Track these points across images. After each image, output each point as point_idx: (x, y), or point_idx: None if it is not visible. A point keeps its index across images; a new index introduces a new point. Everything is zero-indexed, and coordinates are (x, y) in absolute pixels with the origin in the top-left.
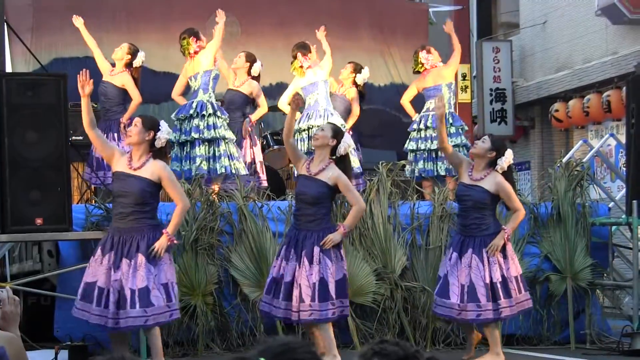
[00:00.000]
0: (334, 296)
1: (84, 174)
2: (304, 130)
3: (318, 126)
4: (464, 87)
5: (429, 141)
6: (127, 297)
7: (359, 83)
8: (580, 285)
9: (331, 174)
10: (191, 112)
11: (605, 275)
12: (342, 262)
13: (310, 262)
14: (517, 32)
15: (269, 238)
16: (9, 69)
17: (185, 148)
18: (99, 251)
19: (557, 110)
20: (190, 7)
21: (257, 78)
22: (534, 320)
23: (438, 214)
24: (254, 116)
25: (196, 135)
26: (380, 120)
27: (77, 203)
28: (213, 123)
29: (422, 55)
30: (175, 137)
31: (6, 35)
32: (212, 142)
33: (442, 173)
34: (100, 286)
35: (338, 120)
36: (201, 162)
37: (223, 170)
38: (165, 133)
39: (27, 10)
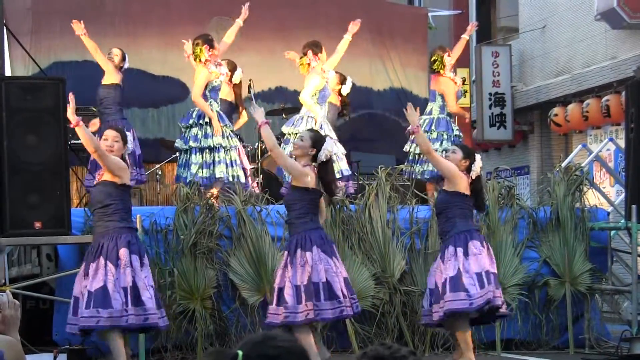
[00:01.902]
0: (286, 301)
1: (84, 180)
2: (289, 135)
3: (296, 133)
4: (463, 92)
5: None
6: (84, 300)
7: (343, 94)
8: (579, 289)
9: None
10: (191, 121)
11: (604, 279)
12: (312, 267)
13: (285, 266)
14: (517, 36)
15: (268, 242)
16: (8, 72)
17: (184, 156)
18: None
19: (556, 115)
20: (189, 12)
21: (238, 85)
22: (533, 325)
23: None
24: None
25: (194, 144)
26: (379, 124)
27: (76, 207)
28: (211, 132)
29: (446, 58)
30: (180, 144)
31: (5, 38)
32: (212, 149)
33: None
34: (75, 295)
35: (316, 126)
36: (197, 170)
37: (221, 175)
38: (130, 143)
39: (26, 14)
